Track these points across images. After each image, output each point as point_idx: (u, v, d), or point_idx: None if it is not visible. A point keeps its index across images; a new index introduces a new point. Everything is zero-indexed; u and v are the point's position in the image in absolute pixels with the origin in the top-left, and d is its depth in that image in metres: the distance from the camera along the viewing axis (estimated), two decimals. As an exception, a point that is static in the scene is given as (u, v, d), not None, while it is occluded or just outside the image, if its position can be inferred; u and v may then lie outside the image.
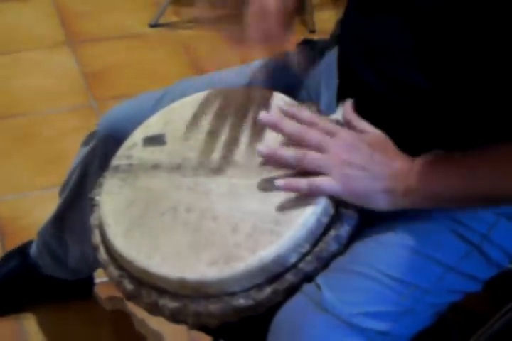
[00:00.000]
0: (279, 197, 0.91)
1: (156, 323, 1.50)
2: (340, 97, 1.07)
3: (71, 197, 1.30)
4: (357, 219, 0.93)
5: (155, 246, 0.93)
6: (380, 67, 0.97)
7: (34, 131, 1.94)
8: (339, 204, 0.92)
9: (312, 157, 0.91)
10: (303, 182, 0.90)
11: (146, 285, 0.93)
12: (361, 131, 0.95)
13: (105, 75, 2.12)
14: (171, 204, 0.96)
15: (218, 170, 0.97)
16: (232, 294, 0.89)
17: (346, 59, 1.04)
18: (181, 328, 1.22)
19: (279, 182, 0.90)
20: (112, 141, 1.09)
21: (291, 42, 1.03)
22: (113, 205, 0.99)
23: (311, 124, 0.94)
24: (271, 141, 0.96)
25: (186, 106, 1.05)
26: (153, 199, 0.97)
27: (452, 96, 0.93)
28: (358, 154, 0.92)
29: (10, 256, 1.52)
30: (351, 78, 1.03)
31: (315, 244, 0.90)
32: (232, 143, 1.00)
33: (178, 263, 0.90)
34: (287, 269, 0.89)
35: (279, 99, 1.03)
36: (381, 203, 0.92)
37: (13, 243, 1.56)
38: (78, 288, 1.53)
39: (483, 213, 0.98)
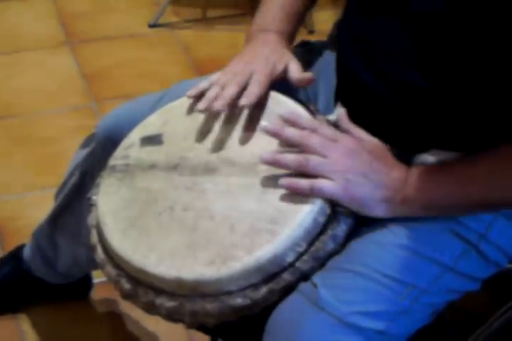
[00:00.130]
0: (276, 196, 0.92)
1: (153, 323, 1.50)
2: (339, 97, 1.07)
3: (68, 199, 1.30)
4: (353, 219, 0.93)
5: (152, 245, 0.93)
6: (379, 67, 0.97)
7: (33, 131, 1.94)
8: (336, 203, 0.92)
9: (314, 162, 0.91)
10: (305, 183, 0.90)
11: (143, 285, 0.93)
12: (360, 140, 0.95)
13: (105, 75, 2.12)
14: (168, 204, 0.96)
15: (215, 170, 0.97)
16: (229, 293, 0.89)
17: (345, 59, 1.04)
18: (179, 328, 1.22)
19: (283, 181, 0.91)
20: (110, 144, 1.09)
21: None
22: (110, 205, 0.99)
23: (311, 130, 0.94)
24: (268, 140, 0.96)
25: (183, 106, 1.05)
26: (151, 199, 0.97)
27: (451, 96, 0.93)
28: (358, 161, 0.92)
29: (3, 261, 1.52)
30: (350, 78, 1.03)
31: (312, 244, 0.90)
32: (229, 142, 1.00)
33: (175, 262, 0.90)
34: (284, 268, 0.89)
35: (278, 99, 1.03)
36: (379, 211, 0.93)
37: (12, 243, 1.56)
38: (73, 290, 1.53)
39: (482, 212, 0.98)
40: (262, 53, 1.06)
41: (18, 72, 2.12)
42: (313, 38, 1.22)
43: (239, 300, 0.89)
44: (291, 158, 0.92)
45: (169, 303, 0.91)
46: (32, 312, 1.53)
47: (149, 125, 1.06)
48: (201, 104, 1.01)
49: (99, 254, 0.98)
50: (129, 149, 1.04)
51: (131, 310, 1.52)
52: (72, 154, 1.29)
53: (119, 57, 2.19)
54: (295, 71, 1.04)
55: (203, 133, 1.02)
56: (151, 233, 0.94)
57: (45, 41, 2.22)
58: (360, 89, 1.00)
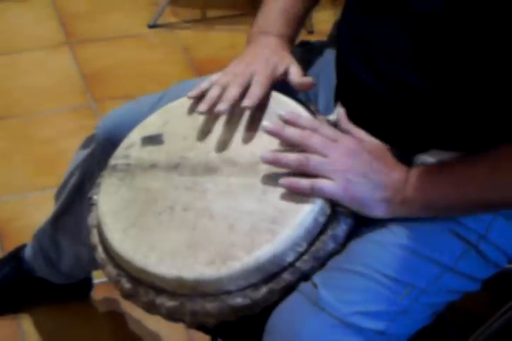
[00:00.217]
0: (276, 196, 0.92)
1: (154, 323, 1.50)
2: (338, 97, 1.07)
3: (69, 200, 1.30)
4: (353, 219, 0.93)
5: (152, 245, 0.93)
6: (378, 68, 0.97)
7: (33, 131, 1.94)
8: (336, 203, 0.92)
9: (315, 161, 0.92)
10: (305, 183, 0.90)
11: (143, 284, 0.93)
12: (360, 140, 0.96)
13: (104, 76, 2.12)
14: (169, 204, 0.96)
15: (216, 170, 0.97)
16: (229, 293, 0.89)
17: (344, 59, 1.04)
18: (179, 328, 1.23)
19: (283, 180, 0.91)
20: (110, 144, 1.09)
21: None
22: (111, 205, 0.99)
23: (312, 130, 0.94)
24: (268, 140, 0.96)
25: (183, 106, 1.05)
26: (151, 199, 0.97)
27: (450, 97, 0.93)
28: (359, 161, 0.93)
29: (3, 261, 1.52)
30: (349, 78, 1.03)
31: (312, 243, 0.90)
32: (230, 142, 1.00)
33: (175, 262, 0.90)
34: (284, 268, 0.89)
35: (278, 99, 1.03)
36: (379, 211, 0.93)
37: (12, 244, 1.56)
38: (75, 290, 1.53)
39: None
40: (262, 55, 1.06)
41: (18, 72, 2.12)
42: (312, 38, 1.22)
43: (239, 300, 0.89)
44: (291, 157, 0.92)
45: (170, 303, 0.91)
46: (33, 313, 1.53)
47: (149, 125, 1.06)
48: (202, 106, 1.01)
49: (100, 254, 0.98)
50: (130, 149, 1.04)
51: (132, 310, 1.53)
52: (71, 154, 1.29)
53: (118, 57, 2.19)
54: (295, 74, 1.04)
55: (203, 133, 1.02)
56: (152, 233, 0.94)
57: (45, 41, 2.22)
58: (359, 89, 1.00)
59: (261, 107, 1.01)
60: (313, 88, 1.06)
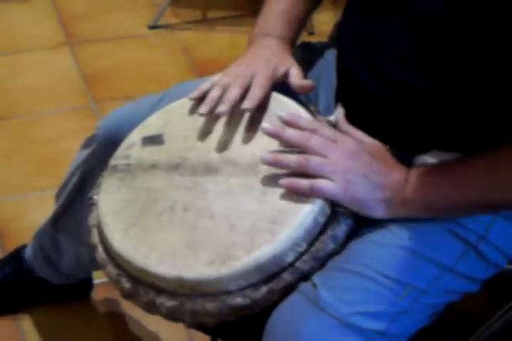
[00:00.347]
0: (277, 196, 0.92)
1: (154, 323, 1.50)
2: (339, 98, 1.07)
3: (69, 200, 1.30)
4: (353, 219, 0.93)
5: (153, 245, 0.93)
6: (379, 68, 0.98)
7: (33, 132, 1.94)
8: (336, 204, 0.92)
9: (315, 162, 0.92)
10: (305, 183, 0.91)
11: (143, 284, 0.93)
12: (360, 141, 0.96)
13: (104, 76, 2.12)
14: (169, 204, 0.96)
15: (216, 170, 0.97)
16: (229, 293, 0.89)
17: (345, 60, 1.04)
18: (179, 328, 1.23)
19: (283, 181, 0.91)
20: (111, 145, 1.09)
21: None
22: (111, 205, 0.99)
23: (311, 131, 0.94)
24: (268, 141, 0.96)
25: (184, 106, 1.05)
26: (151, 199, 0.98)
27: (450, 97, 0.93)
28: (359, 161, 0.93)
29: (4, 261, 1.52)
30: (350, 79, 1.03)
31: (312, 244, 0.90)
32: (230, 142, 1.00)
33: (175, 262, 0.90)
34: (284, 268, 0.89)
35: (278, 100, 1.03)
36: (379, 212, 0.93)
37: (12, 244, 1.56)
38: (75, 290, 1.53)
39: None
40: (263, 56, 1.06)
41: (18, 72, 2.12)
42: (313, 39, 1.22)
43: (239, 300, 0.89)
44: (291, 158, 0.92)
45: (170, 303, 0.91)
46: (33, 313, 1.53)
47: (150, 125, 1.06)
48: (203, 108, 1.01)
49: (100, 254, 0.98)
50: (130, 149, 1.04)
51: (132, 311, 1.53)
52: (71, 155, 1.29)
53: (118, 58, 2.20)
54: (296, 76, 1.05)
55: (203, 134, 1.02)
56: (152, 233, 0.94)
57: (45, 42, 2.23)
58: (360, 90, 1.01)
59: (261, 108, 1.01)
60: (313, 90, 1.06)
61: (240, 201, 0.93)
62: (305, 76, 1.07)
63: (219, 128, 1.02)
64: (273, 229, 0.89)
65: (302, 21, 1.14)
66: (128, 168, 1.02)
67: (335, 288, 0.90)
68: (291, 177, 0.92)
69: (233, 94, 1.01)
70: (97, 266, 1.02)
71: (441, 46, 0.91)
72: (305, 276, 0.91)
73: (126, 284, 0.94)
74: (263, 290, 0.89)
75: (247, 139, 0.99)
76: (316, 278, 0.91)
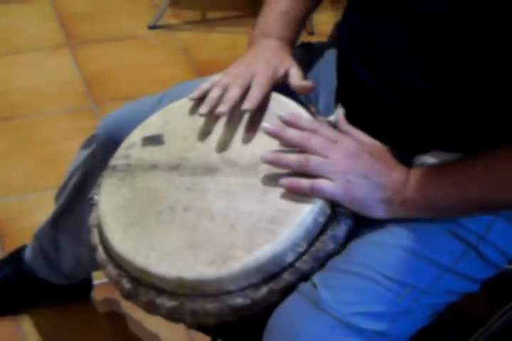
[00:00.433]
0: (277, 196, 0.92)
1: (155, 324, 1.50)
2: (339, 98, 1.07)
3: (69, 200, 1.30)
4: (353, 219, 0.93)
5: (153, 245, 0.93)
6: (379, 68, 0.98)
7: (33, 132, 1.94)
8: (336, 204, 0.92)
9: (315, 162, 0.92)
10: (305, 183, 0.91)
11: (144, 284, 0.93)
12: (360, 141, 0.96)
13: (104, 77, 2.13)
14: (169, 204, 0.96)
15: (216, 170, 0.97)
16: (229, 293, 0.89)
17: (345, 60, 1.04)
18: (180, 329, 1.23)
19: (284, 180, 0.91)
20: (111, 145, 1.10)
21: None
22: (111, 205, 0.99)
23: (312, 131, 0.94)
24: (269, 141, 0.96)
25: (184, 106, 1.05)
26: (151, 199, 0.98)
27: (451, 98, 0.93)
28: (359, 162, 0.93)
29: (4, 262, 1.52)
30: (350, 79, 1.03)
31: (312, 244, 0.90)
32: (230, 142, 1.00)
33: (175, 262, 0.90)
34: (284, 268, 0.89)
35: (278, 100, 1.03)
36: (379, 212, 0.93)
37: (12, 245, 1.56)
38: (75, 291, 1.53)
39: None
40: (263, 56, 1.06)
41: (18, 73, 2.12)
42: (313, 40, 1.23)
43: (239, 300, 0.89)
44: (291, 157, 0.92)
45: (170, 303, 0.91)
46: (33, 314, 1.53)
47: (150, 125, 1.06)
48: (203, 108, 1.01)
49: (100, 254, 0.98)
50: (130, 149, 1.04)
51: (132, 311, 1.53)
52: (71, 155, 1.29)
53: (119, 58, 2.20)
54: (296, 77, 1.05)
55: (203, 134, 1.02)
56: (152, 233, 0.94)
57: (45, 43, 2.23)
58: (360, 90, 1.01)
59: (261, 108, 1.01)
60: (313, 91, 1.06)
61: (240, 201, 0.93)
62: (305, 76, 1.07)
63: (219, 128, 1.02)
64: (273, 229, 0.89)
65: (302, 22, 1.14)
66: (128, 168, 1.02)
67: (335, 289, 0.90)
68: (292, 177, 0.92)
69: (233, 94, 1.01)
70: (97, 266, 1.02)
71: (442, 46, 0.91)
72: (305, 276, 0.91)
73: (127, 284, 0.94)
74: (263, 290, 0.89)
75: (247, 139, 0.99)
76: (316, 278, 0.91)
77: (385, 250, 0.94)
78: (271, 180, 0.93)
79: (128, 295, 0.95)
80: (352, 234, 0.94)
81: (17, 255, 1.51)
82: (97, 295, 1.57)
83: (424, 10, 0.92)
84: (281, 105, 1.02)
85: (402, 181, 0.93)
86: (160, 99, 1.14)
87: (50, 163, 1.84)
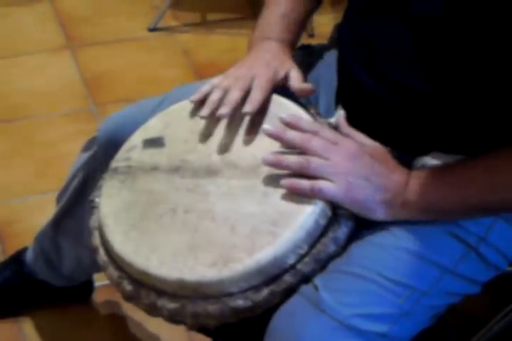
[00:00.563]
0: (278, 198, 0.92)
1: (155, 326, 1.50)
2: (339, 100, 1.07)
3: (70, 202, 1.30)
4: (354, 221, 0.93)
5: (154, 247, 0.93)
6: (380, 70, 0.98)
7: (34, 134, 1.94)
8: (337, 206, 0.92)
9: (316, 164, 0.92)
10: (306, 184, 0.91)
11: (145, 286, 0.93)
12: (361, 143, 0.96)
13: (105, 79, 2.13)
14: (170, 206, 0.96)
15: (217, 172, 0.97)
16: (230, 295, 0.89)
17: (346, 62, 1.05)
18: (180, 330, 1.23)
19: (285, 181, 0.91)
20: (112, 147, 1.10)
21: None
22: (112, 207, 0.99)
23: (313, 133, 0.94)
24: (269, 143, 0.96)
25: (185, 108, 1.05)
26: (152, 201, 0.98)
27: (451, 99, 0.93)
28: (360, 164, 0.93)
29: (5, 264, 1.52)
30: (350, 81, 1.03)
31: (313, 246, 0.91)
32: (231, 145, 1.00)
33: (176, 264, 0.90)
34: (285, 270, 0.90)
35: (279, 102, 1.03)
36: (379, 214, 0.93)
37: (13, 247, 1.56)
38: (76, 293, 1.53)
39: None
40: (263, 59, 1.06)
41: (19, 75, 2.12)
42: (313, 42, 1.23)
43: (240, 302, 0.89)
44: (292, 159, 0.92)
45: (171, 305, 0.91)
46: (34, 316, 1.53)
47: (151, 128, 1.06)
48: (204, 111, 1.01)
49: (101, 256, 0.98)
50: (131, 151, 1.04)
51: (133, 313, 1.53)
52: (72, 158, 1.29)
53: (119, 61, 2.20)
54: (296, 79, 1.05)
55: (204, 136, 1.02)
56: (153, 235, 0.94)
57: (46, 45, 2.23)
58: (360, 92, 1.01)
59: (262, 110, 1.02)
60: (313, 94, 1.06)
61: (241, 203, 0.93)
62: (305, 78, 1.07)
63: (220, 130, 1.02)
64: (274, 231, 0.89)
65: (302, 24, 1.14)
66: (129, 170, 1.02)
67: (336, 290, 0.91)
68: (293, 178, 0.92)
69: (234, 96, 1.01)
70: (98, 268, 1.02)
71: (442, 47, 0.92)
72: (306, 278, 0.91)
73: (128, 286, 0.94)
74: (264, 292, 0.89)
75: (247, 141, 0.99)
76: (318, 280, 0.91)
77: (386, 252, 0.94)
78: (272, 182, 0.93)
79: (129, 297, 0.95)
80: (353, 236, 0.94)
81: (18, 257, 1.51)
82: (98, 296, 1.57)
83: (423, 11, 0.92)
84: (282, 107, 1.02)
85: (403, 183, 0.93)
86: (160, 102, 1.14)
87: (51, 165, 1.84)
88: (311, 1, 1.16)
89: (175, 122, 1.05)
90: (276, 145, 0.96)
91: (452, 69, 0.92)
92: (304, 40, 1.20)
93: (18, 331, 1.51)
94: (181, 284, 0.90)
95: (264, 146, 0.97)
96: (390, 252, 0.94)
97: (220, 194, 0.95)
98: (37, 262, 1.45)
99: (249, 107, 1.00)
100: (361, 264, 0.93)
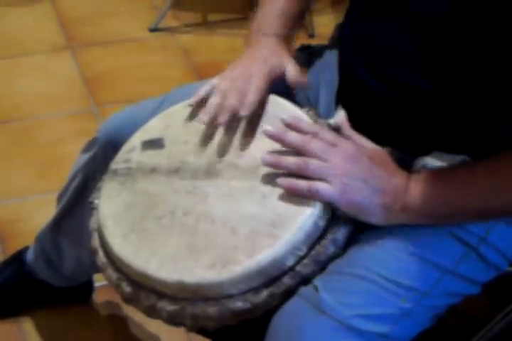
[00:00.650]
0: (277, 200, 0.92)
1: (155, 327, 1.50)
2: (340, 100, 1.07)
3: (70, 203, 1.30)
4: (354, 223, 0.93)
5: (153, 249, 0.93)
6: (383, 70, 0.98)
7: (34, 135, 1.94)
8: (336, 207, 0.92)
9: (314, 165, 0.92)
10: (303, 184, 0.91)
11: (144, 288, 0.93)
12: (361, 145, 0.96)
13: (105, 80, 2.13)
14: (169, 208, 0.96)
15: (216, 174, 0.97)
16: (230, 297, 0.89)
17: (347, 62, 1.04)
18: (180, 332, 1.23)
19: (283, 180, 0.91)
20: (112, 148, 1.10)
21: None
22: (111, 209, 0.99)
23: (312, 134, 0.94)
24: (269, 144, 0.96)
25: (184, 109, 1.05)
26: (152, 203, 0.98)
27: (455, 98, 0.93)
28: (358, 166, 0.92)
29: (5, 264, 1.52)
30: (352, 80, 1.03)
31: (312, 247, 0.90)
32: (230, 146, 1.00)
33: (176, 266, 0.90)
34: (284, 272, 0.90)
35: (277, 103, 1.03)
36: (377, 217, 0.92)
37: (13, 247, 1.56)
38: (76, 293, 1.53)
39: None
40: (260, 56, 1.07)
41: (19, 76, 2.12)
42: (313, 42, 1.23)
43: (240, 304, 0.89)
44: (291, 160, 0.92)
45: (170, 307, 0.91)
46: (34, 316, 1.53)
47: (150, 129, 1.06)
48: (203, 117, 1.01)
49: (101, 258, 0.98)
50: (131, 153, 1.04)
51: (133, 314, 1.53)
52: (72, 158, 1.29)
53: (119, 61, 2.20)
54: (291, 73, 1.05)
55: (204, 137, 1.02)
56: (153, 237, 0.94)
57: (46, 45, 2.23)
58: (362, 92, 1.01)
59: (260, 111, 1.02)
60: (309, 87, 1.06)
61: (240, 204, 0.93)
62: (305, 74, 1.08)
63: (219, 131, 1.02)
64: (274, 233, 0.89)
65: (297, 19, 1.15)
66: (128, 172, 1.02)
67: (336, 291, 0.91)
68: (291, 178, 0.92)
69: (231, 102, 1.01)
70: (98, 269, 1.02)
71: (445, 46, 0.91)
72: (306, 280, 0.91)
73: (127, 288, 0.94)
74: (264, 294, 0.89)
75: (247, 142, 0.99)
76: (317, 281, 0.91)
77: (386, 253, 0.94)
78: (272, 184, 0.93)
79: (128, 299, 0.95)
80: (352, 238, 0.94)
81: (19, 256, 1.51)
82: (98, 297, 1.57)
83: (426, 10, 0.92)
84: (280, 107, 1.02)
85: (403, 187, 0.93)
86: (160, 103, 1.14)
87: (51, 165, 1.84)
88: None
89: (174, 123, 1.05)
90: (275, 146, 0.96)
91: (454, 68, 0.92)
92: (304, 40, 1.20)
93: (18, 331, 1.51)
94: (181, 286, 0.89)
95: (263, 147, 0.97)
96: (390, 253, 0.94)
97: (220, 195, 0.95)
98: (37, 262, 1.45)
99: (244, 111, 1.00)
100: (361, 265, 0.93)
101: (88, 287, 1.55)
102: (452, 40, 0.91)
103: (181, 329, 1.00)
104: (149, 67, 2.19)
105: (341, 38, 1.09)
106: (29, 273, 1.47)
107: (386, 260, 0.94)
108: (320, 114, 1.05)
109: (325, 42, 1.23)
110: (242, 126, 1.01)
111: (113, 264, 0.96)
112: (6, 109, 2.01)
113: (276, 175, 0.93)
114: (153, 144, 1.04)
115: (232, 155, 0.99)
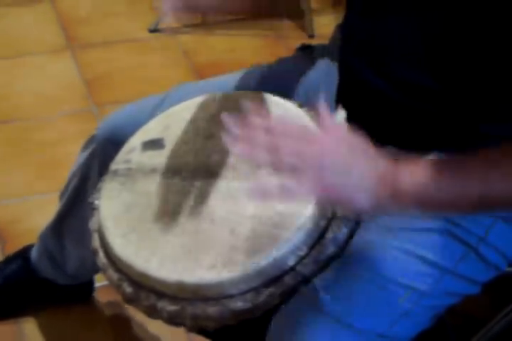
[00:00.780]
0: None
1: (155, 327, 1.50)
2: (340, 100, 1.07)
3: (71, 201, 1.30)
4: (354, 222, 0.93)
5: (153, 249, 0.93)
6: (386, 69, 0.97)
7: (34, 135, 1.94)
8: (336, 207, 0.92)
9: (291, 166, 0.86)
10: (273, 186, 0.81)
11: (144, 289, 0.93)
12: (338, 136, 0.90)
13: (105, 80, 2.13)
14: (170, 208, 0.96)
15: (216, 174, 0.97)
16: (230, 297, 0.89)
17: (349, 61, 1.04)
18: (180, 332, 1.23)
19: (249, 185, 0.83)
20: (111, 145, 1.10)
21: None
22: (112, 209, 0.99)
23: (284, 135, 0.84)
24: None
25: (184, 110, 1.06)
26: (152, 203, 0.98)
27: (459, 96, 0.93)
28: (337, 158, 0.84)
29: (10, 259, 1.52)
30: (353, 80, 1.03)
31: (313, 247, 0.90)
32: (230, 147, 1.00)
33: (176, 266, 0.90)
34: (285, 272, 0.90)
35: (277, 103, 1.03)
36: (365, 205, 0.84)
37: (13, 247, 1.56)
38: (78, 292, 1.53)
39: (480, 215, 0.98)
40: None
41: (19, 76, 2.12)
42: (313, 42, 1.23)
43: (240, 304, 0.89)
44: (265, 159, 0.83)
45: (171, 307, 0.91)
46: (35, 316, 1.53)
47: (151, 129, 1.06)
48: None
49: (101, 258, 0.98)
50: (131, 153, 1.04)
51: (134, 314, 1.52)
52: (72, 158, 1.29)
53: (119, 61, 2.20)
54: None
55: (204, 138, 1.02)
56: (153, 237, 0.94)
57: (46, 46, 2.23)
58: (364, 91, 1.00)
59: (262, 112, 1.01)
60: (313, 87, 1.05)
61: (240, 205, 0.93)
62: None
63: (219, 132, 1.02)
64: (274, 233, 0.89)
65: None
66: (128, 173, 1.02)
67: (336, 291, 0.91)
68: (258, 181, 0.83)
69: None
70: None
71: (449, 45, 0.91)
72: (306, 280, 0.91)
73: (128, 289, 0.94)
74: (264, 294, 0.89)
75: None
76: (318, 281, 0.91)
77: (386, 252, 0.94)
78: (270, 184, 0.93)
79: (129, 300, 0.95)
80: (353, 237, 0.94)
81: (24, 254, 1.50)
82: (100, 297, 1.57)
83: (432, 9, 0.91)
84: (280, 107, 1.02)
85: (390, 173, 0.85)
86: (161, 101, 1.14)
87: (51, 165, 1.84)
88: None
89: (175, 124, 1.05)
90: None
91: (459, 67, 0.91)
92: (304, 40, 1.20)
93: (18, 331, 1.51)
94: (181, 286, 0.90)
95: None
96: (390, 253, 0.94)
97: (220, 196, 0.95)
98: (41, 260, 1.45)
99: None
100: (361, 265, 0.93)
101: (89, 287, 1.55)
102: (456, 38, 0.90)
103: (182, 330, 1.00)
104: (149, 67, 2.19)
105: (342, 38, 1.08)
106: (33, 271, 1.47)
107: (385, 260, 0.94)
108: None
109: (325, 42, 1.23)
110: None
111: (114, 265, 0.96)
112: (6, 109, 2.01)
113: (277, 175, 0.93)
114: (154, 145, 1.04)
115: (232, 156, 0.99)
